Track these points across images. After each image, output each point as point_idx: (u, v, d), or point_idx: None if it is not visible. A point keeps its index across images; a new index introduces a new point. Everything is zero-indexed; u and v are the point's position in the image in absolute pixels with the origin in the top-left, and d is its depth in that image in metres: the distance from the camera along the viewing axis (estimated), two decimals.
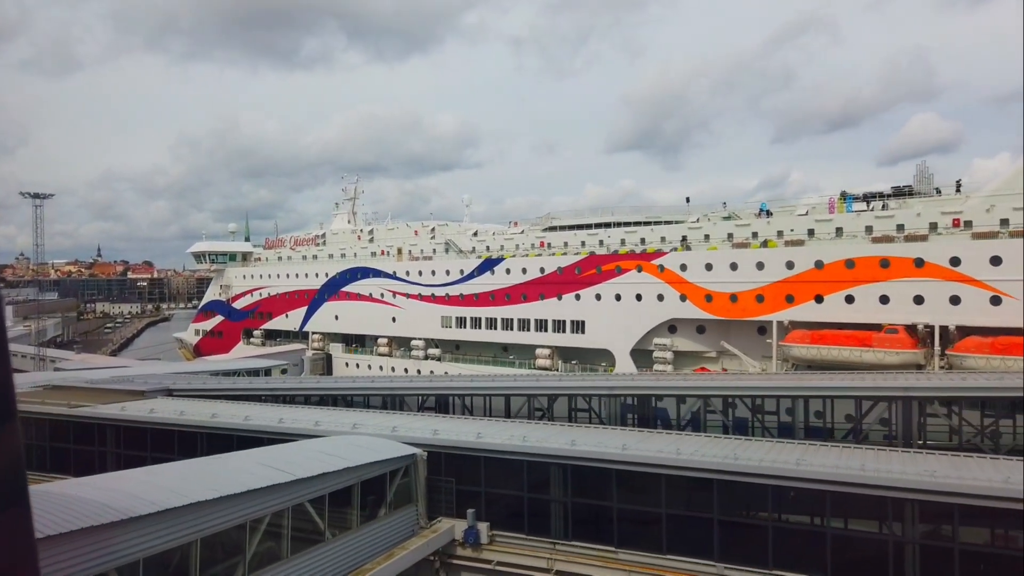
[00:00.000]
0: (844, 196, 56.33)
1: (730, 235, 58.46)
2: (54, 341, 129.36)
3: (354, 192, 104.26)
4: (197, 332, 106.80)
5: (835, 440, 30.45)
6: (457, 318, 73.39)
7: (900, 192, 56.16)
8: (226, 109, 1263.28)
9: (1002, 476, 20.17)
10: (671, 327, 59.33)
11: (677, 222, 64.31)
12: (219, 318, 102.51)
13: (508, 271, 69.12)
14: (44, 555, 14.45)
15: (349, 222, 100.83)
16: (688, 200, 69.13)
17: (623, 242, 64.87)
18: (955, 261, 46.06)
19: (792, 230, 55.34)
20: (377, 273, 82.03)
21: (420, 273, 77.19)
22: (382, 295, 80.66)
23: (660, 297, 58.96)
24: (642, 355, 59.98)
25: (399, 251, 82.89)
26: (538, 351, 65.83)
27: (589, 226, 70.13)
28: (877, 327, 47.90)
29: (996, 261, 44.63)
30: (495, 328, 70.06)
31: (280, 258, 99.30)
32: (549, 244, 70.49)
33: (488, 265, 71.07)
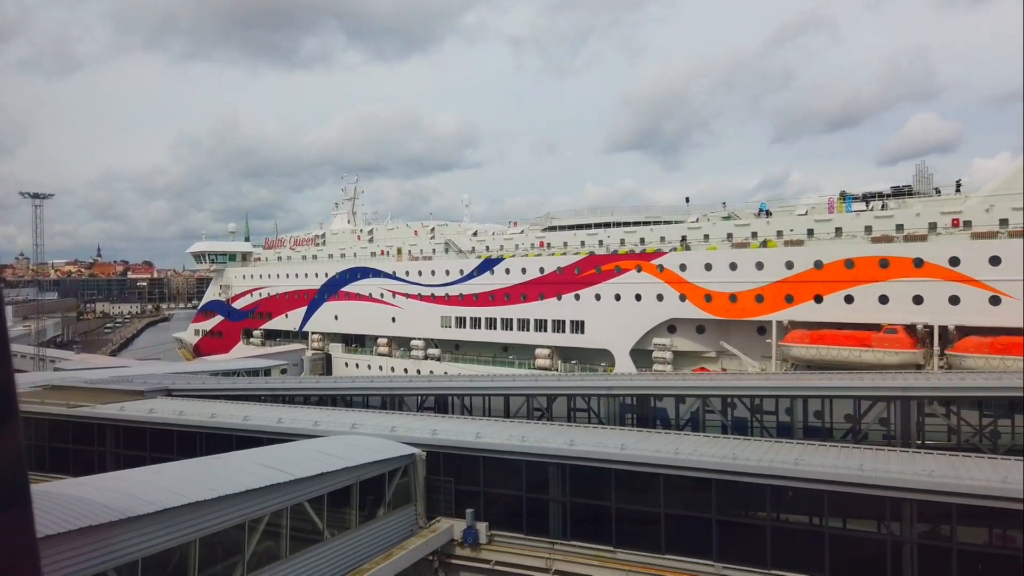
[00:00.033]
0: (843, 196, 56.35)
1: (729, 235, 58.47)
2: (54, 341, 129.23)
3: (354, 192, 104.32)
4: (197, 332, 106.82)
5: (834, 440, 30.46)
6: (457, 318, 73.40)
7: (899, 192, 56.18)
8: (226, 109, 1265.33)
9: (1000, 476, 20.19)
10: (670, 327, 59.34)
11: (676, 222, 64.32)
12: (219, 318, 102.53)
13: (508, 271, 69.14)
14: (43, 555, 14.42)
15: (349, 222, 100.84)
16: (687, 200, 69.22)
17: (622, 242, 64.88)
18: (954, 261, 46.08)
19: (791, 230, 55.36)
20: (377, 273, 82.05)
21: (420, 273, 77.21)
22: (382, 295, 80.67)
23: (659, 297, 58.98)
24: (642, 355, 59.99)
25: (399, 251, 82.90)
26: (537, 351, 65.84)
27: (588, 226, 70.15)
28: (876, 327, 47.92)
29: (995, 261, 44.65)
30: (495, 328, 70.08)
31: (280, 258, 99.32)
32: (549, 244, 70.50)
33: (488, 265, 71.08)
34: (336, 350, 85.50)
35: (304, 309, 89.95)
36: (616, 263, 61.96)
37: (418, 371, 73.10)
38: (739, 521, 23.81)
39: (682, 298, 57.64)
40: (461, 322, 73.02)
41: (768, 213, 59.38)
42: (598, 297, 62.80)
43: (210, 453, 28.61)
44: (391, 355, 79.05)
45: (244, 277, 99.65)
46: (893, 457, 23.28)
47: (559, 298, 65.30)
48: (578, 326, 64.17)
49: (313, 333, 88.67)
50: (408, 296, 77.90)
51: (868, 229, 51.73)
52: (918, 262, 47.36)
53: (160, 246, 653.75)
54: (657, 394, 35.54)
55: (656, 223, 65.66)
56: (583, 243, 67.76)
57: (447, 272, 74.51)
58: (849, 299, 49.86)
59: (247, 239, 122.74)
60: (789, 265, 52.42)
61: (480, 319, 71.38)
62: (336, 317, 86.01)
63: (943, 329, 46.14)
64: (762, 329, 54.93)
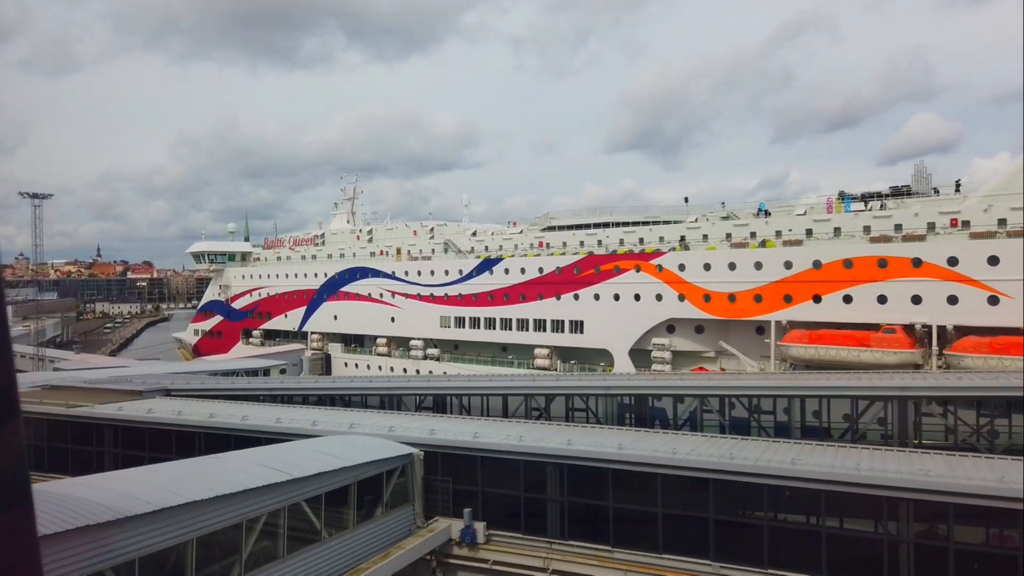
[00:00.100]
0: (842, 196, 56.40)
1: (728, 235, 58.50)
2: (53, 341, 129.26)
3: (353, 192, 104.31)
4: (196, 332, 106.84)
5: (832, 440, 30.51)
6: (456, 318, 73.42)
7: (898, 192, 56.21)
8: (226, 109, 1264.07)
9: (997, 475, 20.21)
10: (669, 327, 59.37)
11: (675, 222, 64.36)
12: (218, 318, 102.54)
13: (507, 271, 69.17)
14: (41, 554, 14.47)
15: (348, 222, 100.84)
16: (686, 200, 69.25)
17: (621, 242, 64.91)
18: (953, 261, 46.12)
19: (790, 230, 55.40)
20: (376, 273, 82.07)
21: (419, 273, 77.23)
22: (381, 295, 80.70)
23: (658, 297, 59.01)
24: (641, 355, 60.01)
25: (398, 251, 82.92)
26: (537, 351, 65.86)
27: (588, 226, 70.19)
28: (875, 327, 47.95)
29: (994, 261, 44.68)
30: (494, 328, 70.11)
31: (279, 258, 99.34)
32: (548, 244, 70.53)
33: (487, 265, 71.11)
34: (335, 350, 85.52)
35: (303, 309, 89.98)
36: (615, 263, 61.99)
37: (417, 371, 73.12)
38: (737, 521, 23.83)
39: (681, 298, 57.67)
40: (460, 322, 73.05)
41: (767, 213, 59.41)
42: (597, 297, 62.83)
43: (209, 453, 28.62)
44: (390, 355, 79.08)
45: (243, 277, 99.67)
46: (890, 457, 23.31)
47: (558, 298, 65.33)
48: (577, 326, 64.20)
49: (312, 333, 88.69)
50: (407, 296, 77.93)
51: (867, 229, 51.76)
52: (916, 262, 47.40)
53: (160, 246, 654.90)
54: (655, 394, 35.58)
55: (655, 223, 65.69)
56: (582, 243, 67.79)
57: (446, 272, 74.53)
58: (848, 299, 49.90)
59: (247, 239, 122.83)
60: (788, 265, 52.46)
61: (479, 319, 71.40)
62: (335, 317, 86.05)
63: (941, 329, 46.17)
64: (761, 329, 54.96)
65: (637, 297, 60.30)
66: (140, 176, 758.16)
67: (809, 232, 54.59)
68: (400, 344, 79.00)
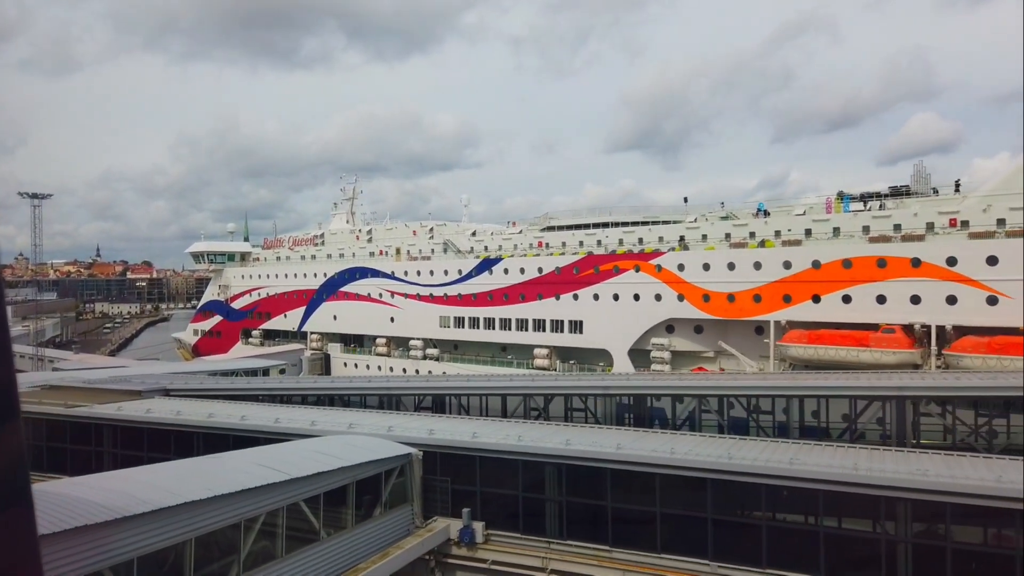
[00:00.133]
0: (841, 196, 56.41)
1: (728, 235, 58.52)
2: (53, 341, 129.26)
3: (353, 192, 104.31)
4: (196, 332, 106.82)
5: (831, 439, 30.52)
6: (455, 318, 73.43)
7: (897, 192, 56.25)
8: (226, 109, 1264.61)
9: (995, 475, 20.22)
10: (669, 327, 59.38)
11: (675, 222, 64.38)
12: (218, 318, 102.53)
13: (506, 271, 69.17)
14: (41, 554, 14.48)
15: (348, 222, 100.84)
16: (686, 200, 69.25)
17: (621, 242, 64.93)
18: (952, 261, 46.14)
19: (789, 230, 55.41)
20: (375, 273, 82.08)
21: (418, 273, 77.23)
22: (380, 295, 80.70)
23: (658, 297, 59.02)
24: (640, 355, 60.02)
25: (397, 251, 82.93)
26: (536, 351, 65.87)
27: (587, 226, 70.21)
28: (874, 327, 47.97)
29: (992, 261, 44.71)
30: (493, 328, 70.12)
31: (279, 258, 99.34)
32: (547, 244, 70.55)
33: (486, 265, 71.11)
34: (335, 350, 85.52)
35: (303, 309, 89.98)
36: (614, 263, 62.01)
37: (416, 371, 73.12)
38: (735, 520, 23.84)
39: (680, 298, 57.68)
40: (460, 322, 73.05)
41: (766, 213, 59.43)
42: (596, 297, 62.84)
43: (207, 453, 28.62)
44: (390, 355, 79.09)
45: (243, 277, 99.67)
46: (888, 457, 23.32)
47: (557, 298, 65.34)
48: (576, 326, 64.21)
49: (312, 333, 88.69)
50: (407, 296, 77.93)
51: (866, 229, 51.79)
52: (916, 262, 47.42)
53: (159, 246, 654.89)
54: (654, 394, 35.59)
55: (654, 223, 65.70)
56: (581, 243, 67.81)
57: (446, 272, 74.53)
58: (847, 299, 49.92)
59: (246, 239, 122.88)
60: (787, 265, 52.47)
61: (479, 319, 71.41)
62: (335, 317, 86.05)
63: (940, 329, 46.20)
64: (760, 329, 54.97)
65: (636, 297, 60.31)
66: (140, 176, 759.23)
67: (808, 232, 54.61)
68: (399, 344, 79.00)
